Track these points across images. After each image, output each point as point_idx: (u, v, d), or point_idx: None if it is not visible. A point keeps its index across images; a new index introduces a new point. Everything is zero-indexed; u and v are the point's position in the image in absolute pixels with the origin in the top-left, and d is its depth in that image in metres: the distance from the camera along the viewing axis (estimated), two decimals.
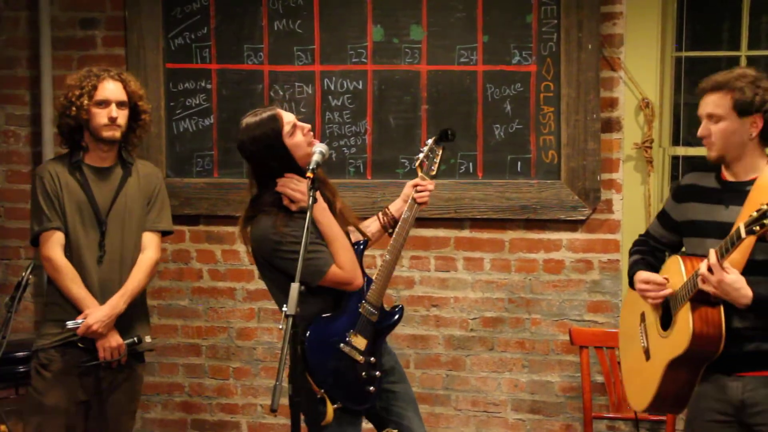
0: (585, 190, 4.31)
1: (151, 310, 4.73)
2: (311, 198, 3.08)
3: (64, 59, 4.68)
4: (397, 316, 3.38)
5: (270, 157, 3.22)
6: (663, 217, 3.33)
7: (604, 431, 4.44)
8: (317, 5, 4.48)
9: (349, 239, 3.36)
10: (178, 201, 4.63)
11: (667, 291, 3.15)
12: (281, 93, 4.54)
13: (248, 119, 3.24)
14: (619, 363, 4.17)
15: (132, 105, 3.67)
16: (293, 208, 3.23)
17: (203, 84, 4.61)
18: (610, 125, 4.33)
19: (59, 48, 4.69)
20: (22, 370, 3.91)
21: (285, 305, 2.84)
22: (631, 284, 3.33)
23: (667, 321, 3.18)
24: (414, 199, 3.39)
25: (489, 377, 4.51)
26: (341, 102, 4.51)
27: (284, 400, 2.91)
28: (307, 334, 3.22)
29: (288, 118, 3.22)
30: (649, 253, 3.36)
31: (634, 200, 4.32)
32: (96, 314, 3.55)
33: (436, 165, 3.47)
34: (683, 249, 3.28)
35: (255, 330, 4.68)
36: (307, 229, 3.02)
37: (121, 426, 3.73)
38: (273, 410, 2.81)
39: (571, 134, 4.30)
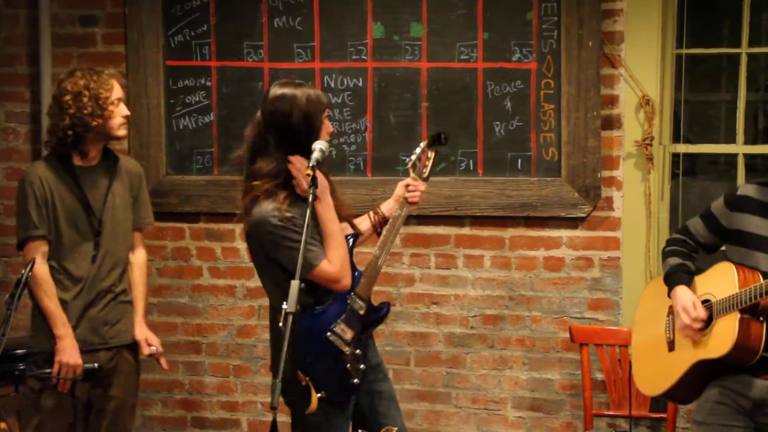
0: (585, 188, 4.31)
1: (152, 307, 4.74)
2: (311, 195, 3.08)
3: (63, 56, 4.68)
4: (383, 311, 3.38)
5: (306, 126, 3.18)
6: (709, 220, 3.37)
7: (605, 429, 4.43)
8: (317, 2, 4.48)
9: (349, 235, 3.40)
10: (178, 198, 4.63)
11: (699, 331, 3.26)
12: None
13: (307, 88, 3.21)
14: (619, 360, 4.21)
15: None
16: (299, 191, 3.21)
17: (203, 81, 4.61)
18: (611, 122, 4.32)
19: (59, 45, 4.69)
20: (21, 367, 3.91)
21: (285, 302, 2.83)
22: (667, 281, 3.40)
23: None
24: (405, 198, 3.41)
25: (489, 375, 4.51)
26: (341, 99, 4.51)
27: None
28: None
29: None
30: (689, 256, 3.42)
31: (635, 198, 4.32)
32: (148, 332, 3.77)
33: (428, 167, 3.46)
34: (726, 254, 3.34)
35: (255, 327, 4.68)
36: (307, 225, 3.02)
37: (120, 420, 3.74)
38: (273, 408, 2.81)
39: (571, 131, 4.30)
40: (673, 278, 3.38)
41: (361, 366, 3.31)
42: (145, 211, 3.87)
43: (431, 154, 3.46)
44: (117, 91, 3.65)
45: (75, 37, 4.69)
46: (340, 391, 3.31)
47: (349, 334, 3.29)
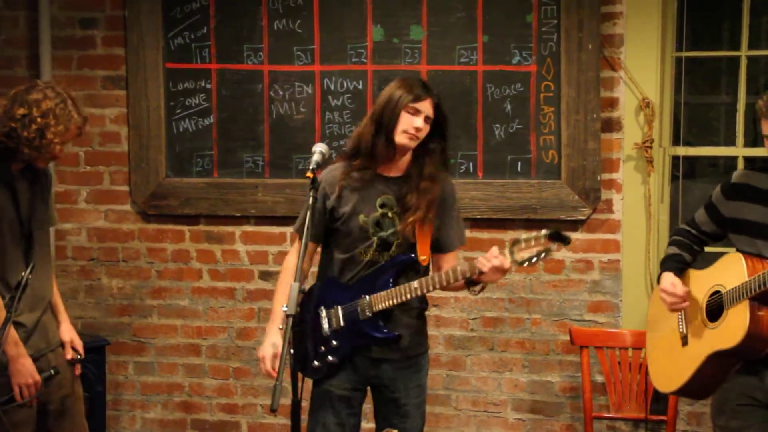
0: (585, 190, 4.31)
1: (151, 309, 4.74)
2: (311, 197, 3.14)
3: (63, 59, 4.68)
4: (381, 335, 3.32)
5: (384, 112, 3.32)
6: (711, 209, 3.38)
7: (605, 431, 4.43)
8: (317, 5, 4.48)
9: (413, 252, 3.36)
10: (178, 201, 4.63)
11: (685, 305, 3.29)
12: (281, 93, 4.53)
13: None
14: (619, 362, 4.21)
15: None
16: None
17: (203, 84, 4.61)
18: (611, 125, 4.33)
19: (59, 48, 4.68)
20: None
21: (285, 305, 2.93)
22: (661, 267, 3.44)
23: (713, 313, 3.27)
24: (476, 262, 3.22)
25: (489, 377, 4.51)
26: (341, 102, 4.51)
27: (284, 401, 2.91)
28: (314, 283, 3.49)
29: (423, 108, 3.32)
30: (688, 247, 3.44)
31: (635, 200, 4.32)
32: (73, 333, 3.62)
33: (528, 256, 3.15)
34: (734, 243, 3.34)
35: (255, 330, 4.67)
36: (307, 228, 3.07)
37: (79, 412, 3.66)
38: (273, 410, 2.82)
39: (571, 134, 4.30)
40: (662, 266, 3.44)
41: (329, 357, 3.34)
42: (53, 212, 3.68)
43: (543, 247, 3.14)
44: (69, 136, 3.40)
45: (75, 39, 4.69)
46: (301, 362, 3.34)
47: (336, 323, 3.35)
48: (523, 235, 3.20)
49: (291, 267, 3.42)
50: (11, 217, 3.42)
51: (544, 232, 3.16)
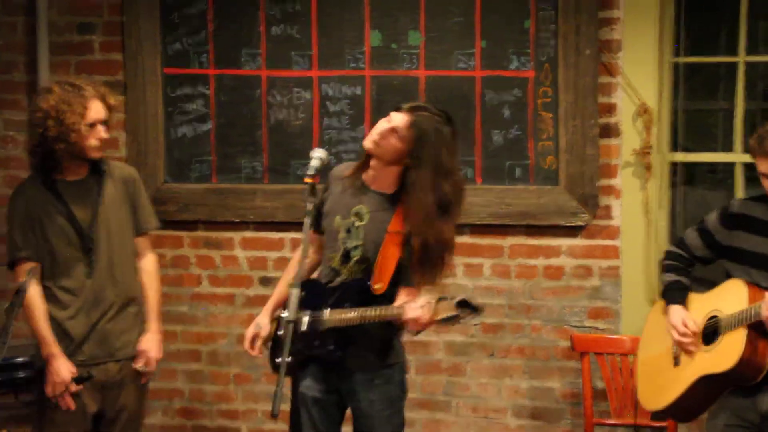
0: (584, 196, 4.31)
1: None
2: (309, 203, 3.11)
3: (61, 64, 4.67)
4: (320, 350, 3.26)
5: None
6: (705, 235, 3.40)
7: None
8: (315, 10, 4.48)
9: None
10: (177, 206, 4.62)
11: (692, 344, 3.30)
12: (279, 98, 4.53)
13: None
14: (620, 369, 4.21)
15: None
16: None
17: (201, 89, 4.61)
18: (609, 131, 4.33)
19: (57, 53, 4.67)
20: (22, 375, 3.89)
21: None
22: (665, 296, 3.46)
23: (708, 336, 3.28)
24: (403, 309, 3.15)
25: (489, 383, 4.50)
26: (339, 107, 4.51)
27: (285, 406, 2.91)
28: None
29: (394, 117, 3.30)
30: (684, 271, 3.45)
31: (633, 206, 4.32)
32: (152, 345, 3.65)
33: (445, 316, 3.09)
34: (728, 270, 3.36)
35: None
36: (307, 230, 3.05)
37: (130, 430, 3.69)
38: (274, 416, 2.81)
39: (569, 140, 4.30)
40: (667, 296, 3.44)
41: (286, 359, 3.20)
42: (144, 216, 3.74)
43: (455, 310, 3.08)
44: (94, 113, 3.48)
45: (72, 44, 4.68)
46: (272, 356, 3.31)
47: (300, 327, 3.23)
48: (448, 295, 3.08)
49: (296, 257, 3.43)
50: (60, 223, 3.52)
51: (457, 298, 3.07)
